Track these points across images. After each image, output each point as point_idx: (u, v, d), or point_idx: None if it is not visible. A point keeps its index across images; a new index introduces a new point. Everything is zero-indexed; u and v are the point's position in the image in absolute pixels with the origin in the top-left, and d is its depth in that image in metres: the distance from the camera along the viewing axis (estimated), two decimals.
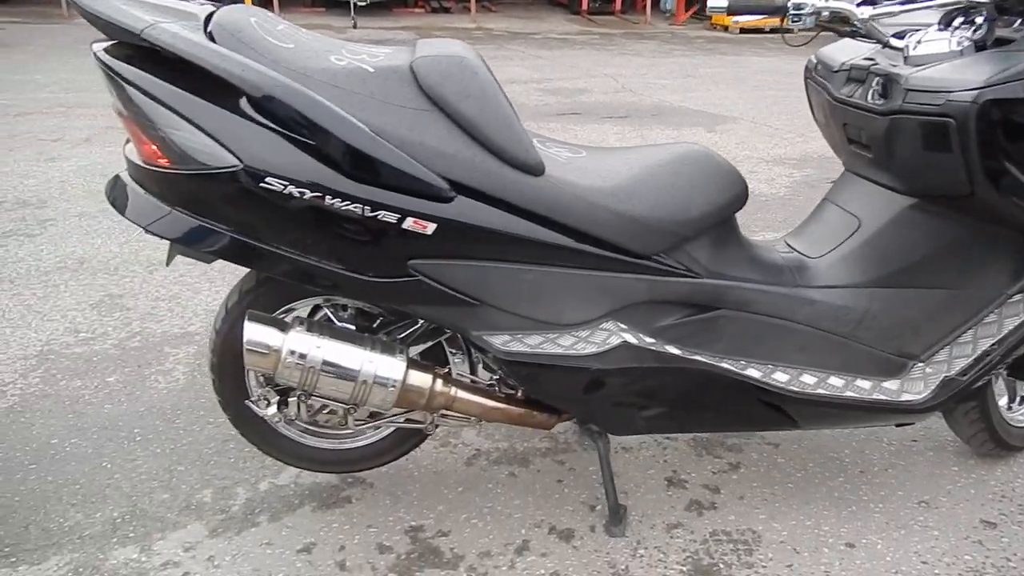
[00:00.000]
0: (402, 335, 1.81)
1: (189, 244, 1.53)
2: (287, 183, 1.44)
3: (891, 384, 1.82)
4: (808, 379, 1.80)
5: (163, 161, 1.46)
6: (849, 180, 2.02)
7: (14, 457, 2.21)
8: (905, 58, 1.73)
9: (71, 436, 2.31)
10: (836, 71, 1.92)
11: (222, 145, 1.43)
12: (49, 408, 2.45)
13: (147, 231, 1.52)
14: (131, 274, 3.50)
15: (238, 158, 1.43)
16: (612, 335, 1.71)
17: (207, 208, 1.50)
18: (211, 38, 1.46)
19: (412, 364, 1.72)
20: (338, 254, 1.55)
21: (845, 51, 1.97)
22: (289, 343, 1.61)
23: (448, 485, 2.12)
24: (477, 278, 1.64)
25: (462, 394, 1.79)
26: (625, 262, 1.72)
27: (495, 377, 1.88)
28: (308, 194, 1.45)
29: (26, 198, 4.44)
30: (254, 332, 1.61)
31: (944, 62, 1.66)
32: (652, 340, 1.75)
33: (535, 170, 1.60)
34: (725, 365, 1.80)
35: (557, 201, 1.62)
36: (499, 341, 1.66)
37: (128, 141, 1.57)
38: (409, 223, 1.52)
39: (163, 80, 1.42)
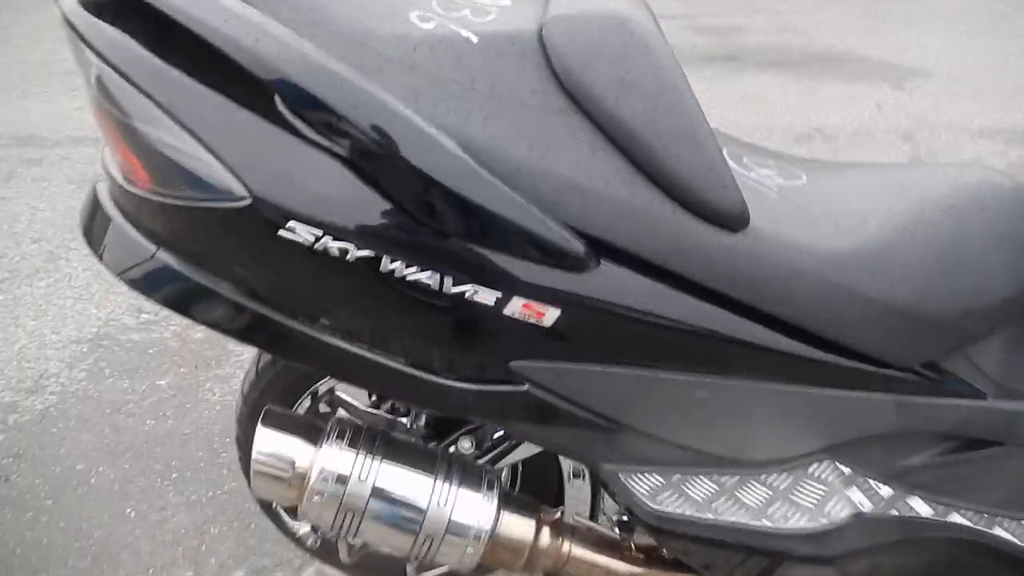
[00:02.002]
0: (489, 444, 1.24)
1: (179, 307, 0.99)
2: (320, 232, 0.87)
3: None
4: None
5: (143, 180, 0.94)
6: None
7: (33, 486, 1.85)
8: None
9: (101, 462, 1.93)
10: None
11: (224, 164, 0.87)
12: (87, 416, 2.08)
13: (121, 280, 0.99)
14: None
15: (247, 187, 0.87)
16: (833, 494, 1.06)
17: (205, 258, 0.96)
18: None
19: (506, 503, 1.15)
20: (400, 343, 0.99)
21: None
22: (321, 464, 1.07)
23: None
24: (619, 391, 1.02)
25: (579, 551, 1.18)
26: (869, 374, 1.04)
27: (621, 517, 1.25)
28: (354, 252, 0.88)
29: None
30: (267, 443, 1.07)
31: None
32: (890, 492, 1.09)
33: (736, 221, 0.93)
34: (1000, 532, 1.13)
35: (767, 275, 0.96)
36: (645, 491, 1.05)
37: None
38: (516, 307, 0.92)
39: (150, 52, 0.87)
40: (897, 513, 1.09)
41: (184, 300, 0.98)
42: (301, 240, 0.88)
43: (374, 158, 0.85)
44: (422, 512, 1.08)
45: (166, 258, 0.95)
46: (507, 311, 0.92)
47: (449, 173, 0.85)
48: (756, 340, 0.99)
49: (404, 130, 0.84)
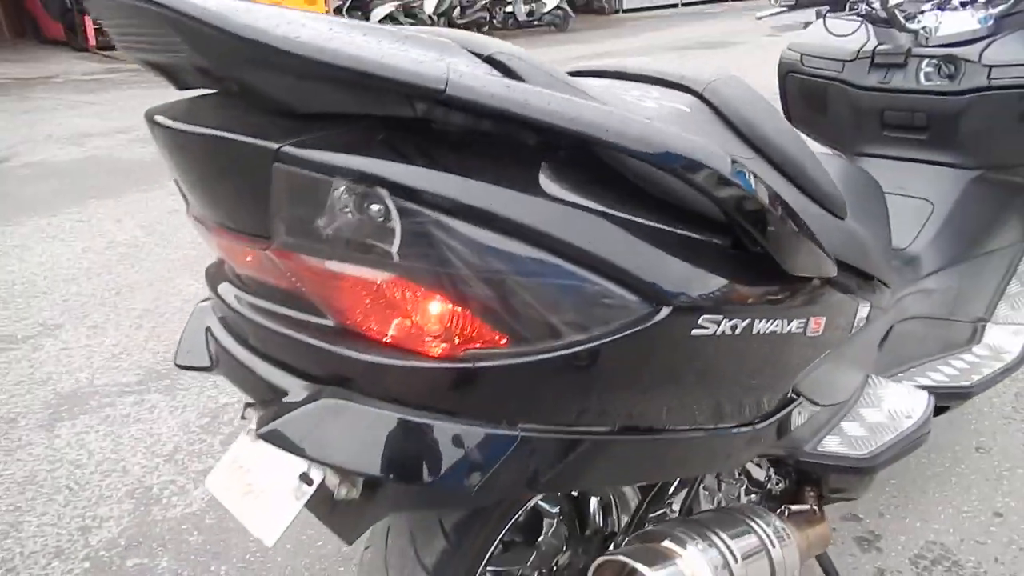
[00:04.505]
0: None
1: (553, 485, 0.89)
2: (721, 317, 0.86)
3: (982, 350, 1.80)
4: (949, 370, 1.70)
5: (498, 339, 0.76)
6: (886, 167, 1.88)
7: None
8: (925, 39, 1.72)
9: None
10: (851, 60, 1.84)
11: (623, 283, 0.78)
12: None
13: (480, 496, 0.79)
14: None
15: (664, 296, 0.80)
16: None
17: (581, 406, 0.82)
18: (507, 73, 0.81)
19: (791, 519, 1.22)
20: (732, 403, 0.98)
21: (827, 38, 1.88)
22: (697, 569, 0.95)
23: None
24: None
25: (813, 530, 1.25)
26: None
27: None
28: (740, 324, 0.88)
29: None
30: None
31: (989, 38, 1.68)
32: None
33: (843, 211, 1.13)
34: None
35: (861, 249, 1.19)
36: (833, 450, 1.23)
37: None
38: (811, 326, 1.01)
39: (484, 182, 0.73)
40: None
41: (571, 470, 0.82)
42: (709, 332, 0.84)
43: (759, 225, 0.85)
44: (774, 563, 1.04)
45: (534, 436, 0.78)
46: (808, 332, 1.01)
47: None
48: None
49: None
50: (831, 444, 1.20)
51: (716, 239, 0.87)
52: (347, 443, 0.74)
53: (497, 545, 1.03)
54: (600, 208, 0.77)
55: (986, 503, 1.80)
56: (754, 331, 0.90)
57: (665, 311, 0.79)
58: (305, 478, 0.82)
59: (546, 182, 0.76)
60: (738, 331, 0.87)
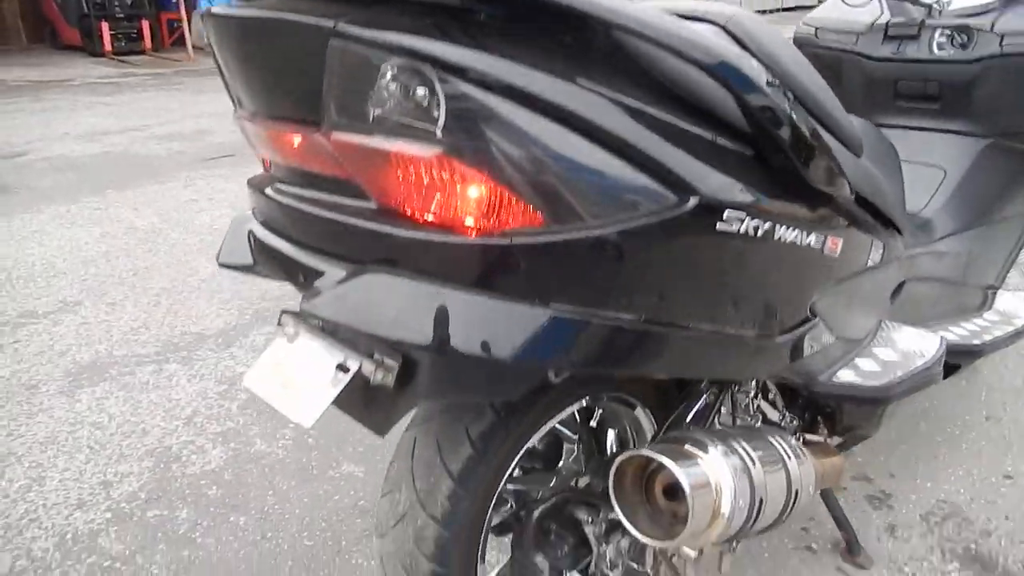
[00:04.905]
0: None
1: (581, 363, 0.87)
2: (745, 215, 0.90)
3: (993, 315, 1.85)
4: (960, 330, 1.74)
5: (536, 218, 0.79)
6: (899, 136, 1.92)
7: None
8: (939, 11, 1.78)
9: None
10: (865, 33, 1.90)
11: (653, 174, 0.83)
12: None
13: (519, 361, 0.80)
14: None
15: (692, 188, 0.84)
16: None
17: (609, 290, 0.85)
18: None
19: (807, 445, 1.22)
20: (750, 310, 1.01)
21: (845, 12, 1.96)
22: (719, 472, 0.96)
23: None
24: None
25: (828, 460, 1.25)
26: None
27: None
28: (762, 226, 0.92)
29: None
30: (688, 475, 0.93)
31: (1002, 9, 1.73)
32: None
33: (859, 149, 1.18)
34: None
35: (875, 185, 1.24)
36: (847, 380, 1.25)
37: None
38: (828, 245, 1.06)
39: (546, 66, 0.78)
40: None
41: (597, 352, 0.84)
42: (733, 229, 0.88)
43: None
44: (791, 478, 1.06)
45: (564, 315, 0.81)
46: (826, 250, 1.06)
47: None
48: None
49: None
50: (845, 376, 1.22)
51: (742, 148, 0.91)
52: (389, 314, 0.77)
53: (520, 459, 1.06)
54: (636, 105, 0.82)
55: (996, 466, 1.82)
56: (775, 236, 0.94)
57: (693, 201, 0.83)
58: (342, 368, 0.85)
59: (587, 74, 0.79)
60: (760, 233, 0.91)
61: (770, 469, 1.00)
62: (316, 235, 0.88)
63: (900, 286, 1.54)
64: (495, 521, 1.14)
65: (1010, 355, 2.30)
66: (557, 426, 1.16)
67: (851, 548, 1.56)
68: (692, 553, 1.02)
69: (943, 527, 1.63)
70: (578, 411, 1.20)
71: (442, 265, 0.78)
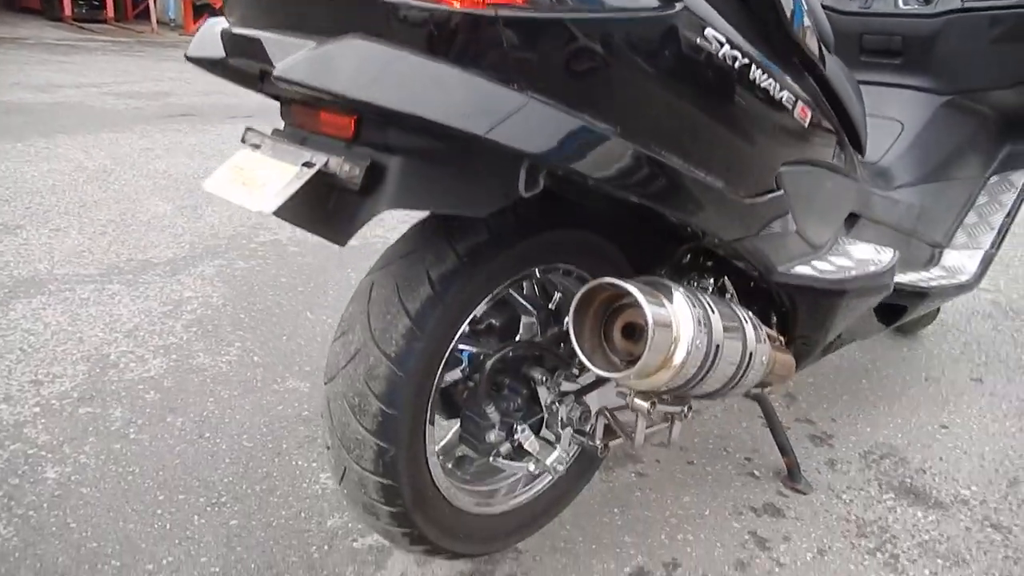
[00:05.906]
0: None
1: (552, 158, 0.83)
2: (725, 41, 0.93)
3: (939, 271, 1.89)
4: (908, 277, 1.79)
5: None
6: (863, 91, 1.96)
7: None
8: None
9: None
10: None
11: None
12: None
13: (490, 139, 0.77)
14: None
15: None
16: None
17: (590, 89, 0.84)
18: None
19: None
20: (720, 157, 1.02)
21: None
22: (681, 316, 0.95)
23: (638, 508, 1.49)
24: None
25: (780, 354, 1.25)
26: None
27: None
28: (740, 59, 0.96)
29: None
30: (652, 311, 0.92)
31: None
32: None
33: (830, 45, 1.27)
34: None
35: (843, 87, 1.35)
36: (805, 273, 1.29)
37: None
38: (799, 111, 1.12)
39: None
40: None
41: (564, 150, 0.83)
42: (712, 49, 0.91)
43: None
44: (747, 344, 1.07)
45: (542, 104, 0.80)
46: (796, 114, 1.11)
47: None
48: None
49: None
50: (802, 270, 1.25)
51: None
52: (367, 77, 0.75)
53: (478, 316, 1.05)
54: None
55: (933, 418, 1.87)
56: (751, 76, 0.97)
57: (679, 6, 0.86)
58: (307, 164, 0.83)
59: None
60: (737, 66, 0.95)
61: (729, 328, 1.01)
62: (295, 10, 0.86)
63: (855, 219, 1.58)
64: (447, 382, 1.13)
65: (951, 329, 2.38)
66: (516, 297, 1.15)
67: (792, 475, 1.58)
68: (644, 405, 1.01)
69: (880, 464, 1.67)
70: (537, 287, 1.20)
71: (426, 35, 0.77)
